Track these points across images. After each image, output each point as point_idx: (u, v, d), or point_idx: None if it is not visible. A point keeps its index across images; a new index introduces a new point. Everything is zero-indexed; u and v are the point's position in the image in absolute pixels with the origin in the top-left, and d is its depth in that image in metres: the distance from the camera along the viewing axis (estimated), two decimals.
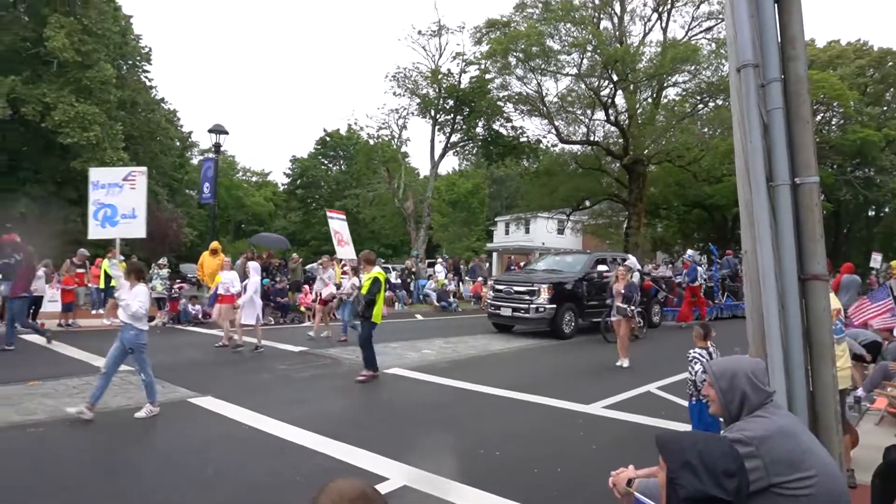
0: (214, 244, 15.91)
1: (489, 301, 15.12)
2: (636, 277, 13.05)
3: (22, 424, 5.80)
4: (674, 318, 17.01)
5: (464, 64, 26.90)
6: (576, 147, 30.57)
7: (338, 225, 16.59)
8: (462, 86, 26.94)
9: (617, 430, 6.18)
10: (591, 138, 28.44)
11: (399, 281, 21.69)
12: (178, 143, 42.58)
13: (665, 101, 27.92)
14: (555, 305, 13.18)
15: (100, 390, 6.10)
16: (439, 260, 24.58)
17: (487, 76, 27.13)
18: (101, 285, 15.36)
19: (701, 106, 26.76)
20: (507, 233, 50.83)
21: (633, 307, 10.13)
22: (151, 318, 14.45)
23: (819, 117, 30.27)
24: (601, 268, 14.26)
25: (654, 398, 7.70)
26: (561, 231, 40.37)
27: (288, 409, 6.61)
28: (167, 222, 22.66)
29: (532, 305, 13.28)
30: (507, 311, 13.82)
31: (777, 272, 2.73)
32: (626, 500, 2.43)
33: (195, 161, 47.06)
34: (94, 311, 15.29)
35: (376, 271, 8.68)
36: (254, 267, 11.23)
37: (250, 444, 5.41)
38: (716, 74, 24.88)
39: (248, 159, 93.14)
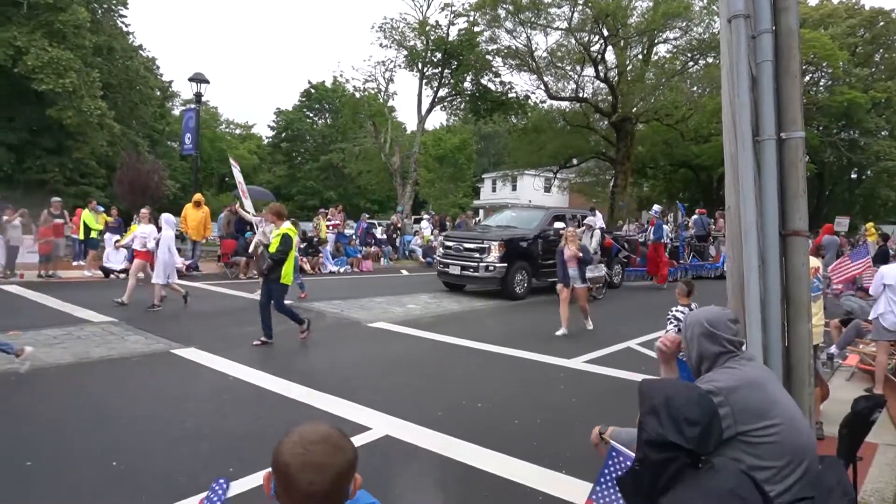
0: (197, 196, 15.73)
1: (438, 258, 14.29)
2: (597, 236, 12.71)
3: (4, 373, 5.77)
4: (637, 279, 16.88)
5: (452, 16, 26.25)
6: (564, 104, 30.29)
7: (238, 175, 15.11)
8: (450, 38, 26.34)
9: (597, 384, 6.30)
10: (580, 95, 28.15)
11: (385, 236, 21.68)
12: (158, 93, 41.51)
13: (655, 58, 27.61)
14: (506, 264, 12.40)
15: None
16: (425, 216, 24.49)
17: (476, 29, 26.54)
18: (81, 236, 15.16)
19: (691, 64, 26.52)
20: (493, 190, 50.70)
21: (596, 271, 9.55)
22: (127, 270, 14.38)
23: (808, 78, 30.12)
24: (558, 225, 13.15)
25: (634, 353, 7.84)
26: (548, 189, 40.34)
27: (272, 361, 6.65)
28: (148, 174, 22.22)
29: (482, 264, 12.49)
30: (455, 270, 13.05)
31: (759, 227, 2.74)
32: (600, 450, 2.48)
33: (177, 112, 45.99)
34: (74, 263, 15.11)
35: (286, 227, 7.77)
36: (166, 219, 10.18)
37: (233, 395, 5.45)
38: (707, 31, 24.58)
39: (231, 111, 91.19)
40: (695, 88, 26.73)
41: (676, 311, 5.23)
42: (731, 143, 2.89)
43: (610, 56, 26.46)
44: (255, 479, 3.53)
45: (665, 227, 17.72)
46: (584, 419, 5.06)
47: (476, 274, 12.60)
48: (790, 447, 1.99)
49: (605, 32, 25.11)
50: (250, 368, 6.21)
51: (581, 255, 9.00)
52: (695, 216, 19.88)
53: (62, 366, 6.17)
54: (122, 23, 35.62)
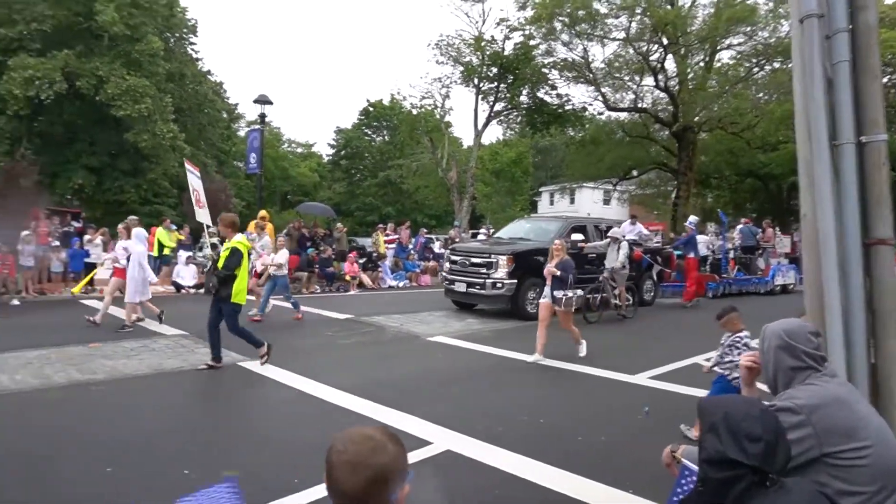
0: (262, 213, 16.24)
1: (444, 274, 13.19)
2: (624, 249, 11.50)
3: (85, 383, 6.11)
4: (672, 296, 15.39)
5: (508, 30, 26.32)
6: (623, 114, 29.74)
7: (196, 182, 13.78)
8: (506, 53, 26.40)
9: (663, 401, 6.09)
10: (639, 105, 27.60)
11: (443, 251, 21.80)
12: (224, 115, 43.31)
13: (718, 65, 26.76)
14: (515, 280, 11.20)
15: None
16: (483, 230, 24.49)
17: (532, 42, 26.49)
18: (155, 253, 15.92)
19: (756, 69, 25.55)
20: (551, 203, 50.28)
21: (569, 292, 7.86)
22: (200, 285, 15.00)
23: (885, 80, 28.54)
24: (576, 237, 12.11)
25: (700, 370, 7.53)
26: (607, 201, 39.66)
27: (334, 373, 6.75)
28: (216, 192, 23.19)
29: (489, 280, 11.34)
30: (461, 287, 11.91)
31: (838, 237, 2.59)
32: (672, 470, 2.39)
33: (242, 133, 47.86)
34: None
35: (237, 240, 7.02)
36: (137, 234, 9.65)
37: (298, 407, 5.56)
38: (773, 35, 23.67)
39: (293, 131, 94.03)
40: (761, 95, 25.74)
41: (746, 336, 4.78)
42: (805, 148, 2.76)
43: (670, 65, 25.86)
44: (317, 492, 3.58)
45: (705, 237, 16.60)
46: (650, 437, 4.90)
47: (482, 291, 11.48)
48: (883, 471, 1.85)
49: (665, 41, 24.57)
50: (314, 381, 6.33)
51: (557, 272, 7.86)
52: (740, 226, 18.69)
53: (139, 376, 6.47)
54: (192, 50, 37.48)
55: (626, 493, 3.80)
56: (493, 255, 11.56)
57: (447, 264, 13.04)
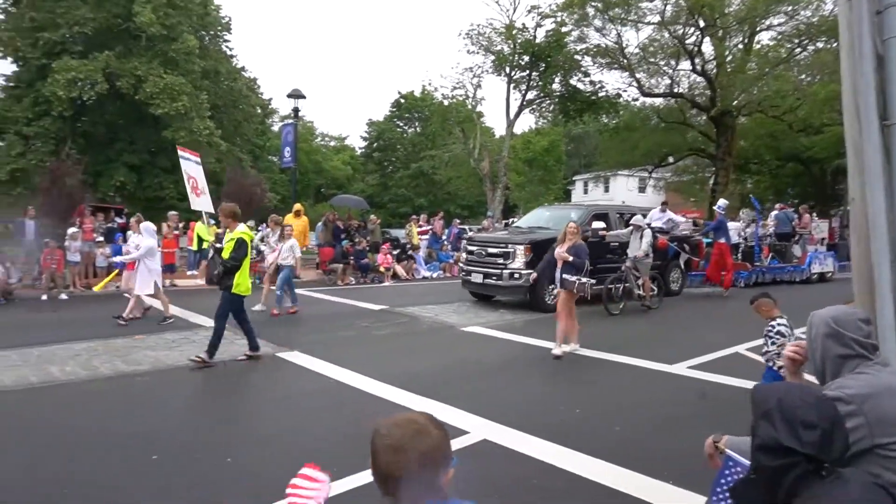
0: (297, 206, 16.46)
1: (461, 265, 12.83)
2: (647, 237, 10.95)
3: (130, 374, 6.30)
4: (698, 285, 14.85)
5: (539, 17, 26.02)
6: (658, 100, 29.17)
7: (192, 168, 13.26)
8: (537, 40, 26.12)
9: (702, 391, 5.98)
10: (675, 90, 27.02)
11: None
12: (259, 111, 43.91)
13: (758, 46, 25.96)
14: (533, 271, 10.52)
15: None
16: (516, 219, 24.37)
17: (564, 29, 26.14)
18: (195, 247, 16.29)
19: (798, 50, 24.71)
20: (585, 191, 49.73)
21: (583, 278, 7.52)
22: None
23: None
24: (597, 224, 11.64)
25: (742, 359, 7.38)
26: (642, 189, 39.03)
27: (370, 364, 6.80)
28: (251, 187, 23.53)
29: (506, 271, 10.97)
30: (477, 278, 11.55)
31: (889, 220, 2.49)
32: (714, 461, 2.33)
33: (276, 128, 48.50)
34: (188, 272, 16.26)
35: (241, 230, 6.98)
36: (145, 228, 9.57)
37: (335, 397, 5.63)
38: (816, 14, 22.85)
39: (325, 125, 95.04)
40: (803, 76, 24.92)
41: (779, 324, 4.61)
42: (853, 128, 2.65)
43: (707, 48, 25.22)
44: (355, 480, 3.63)
45: (737, 224, 15.93)
46: (690, 427, 4.82)
47: (499, 282, 11.13)
48: None
49: (702, 23, 23.95)
50: (350, 371, 6.39)
51: (569, 257, 7.50)
52: (775, 211, 17.90)
53: (181, 367, 6.64)
54: (227, 47, 38.05)
55: (665, 483, 3.75)
56: (509, 245, 11.19)
57: (464, 254, 12.71)
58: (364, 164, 58.15)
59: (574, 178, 51.65)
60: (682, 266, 13.90)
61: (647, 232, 11.08)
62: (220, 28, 36.69)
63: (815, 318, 2.17)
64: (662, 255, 12.73)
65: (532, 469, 4.01)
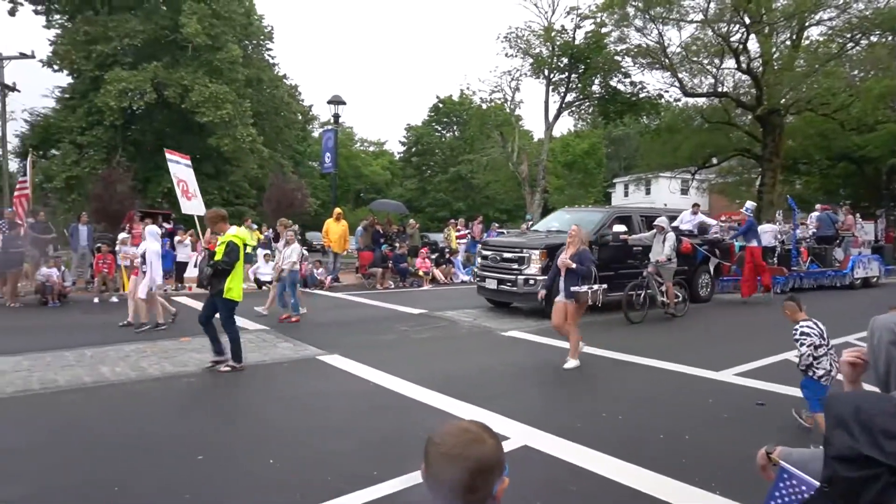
0: (338, 210, 16.68)
1: (476, 270, 12.33)
2: (670, 240, 10.33)
3: (177, 375, 6.46)
4: (733, 290, 14.05)
5: (578, 19, 25.80)
6: (701, 100, 28.49)
7: (182, 171, 12.92)
8: (577, 42, 25.89)
9: (751, 400, 5.79)
10: (719, 89, 26.35)
11: None
12: (299, 117, 44.71)
13: (806, 42, 25.13)
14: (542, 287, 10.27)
15: None
16: (532, 222, 24.13)
17: (603, 30, 25.84)
18: None
19: (850, 45, 23.80)
20: (626, 194, 48.96)
21: (594, 285, 7.02)
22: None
23: None
24: (618, 228, 11.10)
25: (792, 366, 7.11)
26: (685, 191, 38.17)
27: (410, 368, 6.82)
28: (293, 192, 23.97)
29: (520, 277, 10.45)
30: (492, 284, 11.05)
31: None
32: (767, 474, 2.23)
33: (316, 134, 49.32)
34: None
35: (232, 233, 6.76)
36: (150, 232, 9.54)
37: (375, 399, 5.65)
38: (870, 7, 21.96)
39: (364, 130, 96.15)
40: (856, 72, 23.98)
41: (804, 325, 4.66)
42: None
43: (753, 45, 24.49)
44: (395, 484, 3.63)
45: (773, 226, 15.17)
46: (737, 437, 4.68)
47: (514, 289, 10.59)
48: None
49: (747, 20, 23.29)
50: (390, 375, 6.42)
51: (573, 264, 6.93)
52: (815, 212, 16.89)
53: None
54: (269, 56, 38.90)
55: (713, 494, 3.64)
56: (525, 250, 10.66)
57: (478, 259, 12.23)
58: (403, 168, 58.59)
59: (614, 181, 50.92)
60: (712, 271, 13.21)
61: (671, 235, 10.47)
62: (262, 37, 37.54)
63: (876, 324, 2.06)
64: (690, 260, 12.31)
65: (573, 475, 3.94)
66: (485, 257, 11.66)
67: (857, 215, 18.13)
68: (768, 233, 14.89)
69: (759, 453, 2.27)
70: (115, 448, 4.33)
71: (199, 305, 10.98)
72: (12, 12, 29.45)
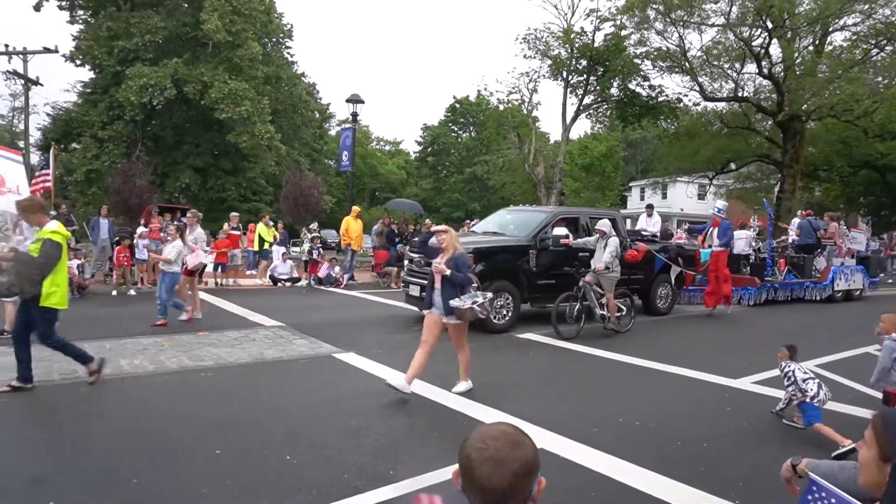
0: (356, 209, 16.74)
1: (403, 276, 11.42)
2: (612, 246, 9.14)
3: (195, 369, 6.51)
4: (693, 302, 13.07)
5: (598, 21, 25.61)
6: (721, 105, 28.24)
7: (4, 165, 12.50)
8: (596, 44, 25.74)
9: (769, 408, 5.72)
10: (740, 94, 26.08)
11: None
12: (317, 115, 44.96)
13: (830, 47, 24.80)
14: (491, 294, 8.83)
15: None
16: (475, 222, 23.89)
17: (623, 32, 25.66)
18: (256, 248, 16.76)
19: (875, 51, 23.45)
20: (641, 198, 48.65)
21: (478, 297, 5.74)
22: (297, 280, 15.65)
23: None
24: (558, 230, 9.98)
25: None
26: (702, 196, 37.88)
27: (426, 369, 6.81)
28: (309, 189, 24.09)
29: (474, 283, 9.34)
30: (415, 290, 9.89)
31: None
32: (792, 486, 2.20)
33: (332, 132, 49.54)
34: (248, 272, 16.75)
35: (51, 228, 5.43)
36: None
37: (390, 398, 5.65)
38: None
39: (381, 129, 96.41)
40: (880, 78, 23.60)
41: (786, 369, 5.21)
42: None
43: (775, 50, 24.20)
44: (411, 484, 3.62)
45: (747, 233, 14.38)
46: (756, 446, 4.64)
47: None
48: None
49: (770, 25, 23.02)
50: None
51: (447, 270, 5.65)
52: (796, 219, 15.97)
53: (242, 364, 6.83)
54: (288, 53, 39.15)
55: None
56: None
57: (406, 262, 11.26)
58: (418, 168, 58.70)
59: (630, 185, 50.63)
60: (673, 281, 11.93)
61: (613, 240, 9.27)
62: (282, 35, 37.79)
63: None
64: (647, 268, 11.28)
65: (589, 481, 3.91)
66: (410, 260, 10.72)
67: (842, 223, 16.91)
68: (742, 239, 14.13)
69: (783, 465, 2.24)
70: (132, 441, 4.37)
71: (216, 301, 11.10)
72: (37, 7, 29.90)
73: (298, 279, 15.60)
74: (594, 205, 41.00)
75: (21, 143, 30.85)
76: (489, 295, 5.99)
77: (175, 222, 15.16)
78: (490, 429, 1.34)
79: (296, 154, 37.48)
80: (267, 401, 5.54)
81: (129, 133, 29.86)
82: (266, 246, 16.68)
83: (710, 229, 11.81)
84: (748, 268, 14.09)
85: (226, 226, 15.89)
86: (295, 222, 22.56)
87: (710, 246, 11.76)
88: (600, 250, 9.29)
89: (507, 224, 11.11)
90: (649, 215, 13.46)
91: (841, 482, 1.93)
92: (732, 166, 31.31)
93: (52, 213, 14.05)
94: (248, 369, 6.65)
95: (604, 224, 9.44)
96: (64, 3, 30.88)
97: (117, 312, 10.47)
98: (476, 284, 6.25)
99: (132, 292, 12.89)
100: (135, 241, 13.67)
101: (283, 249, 16.44)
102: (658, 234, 12.67)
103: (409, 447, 4.39)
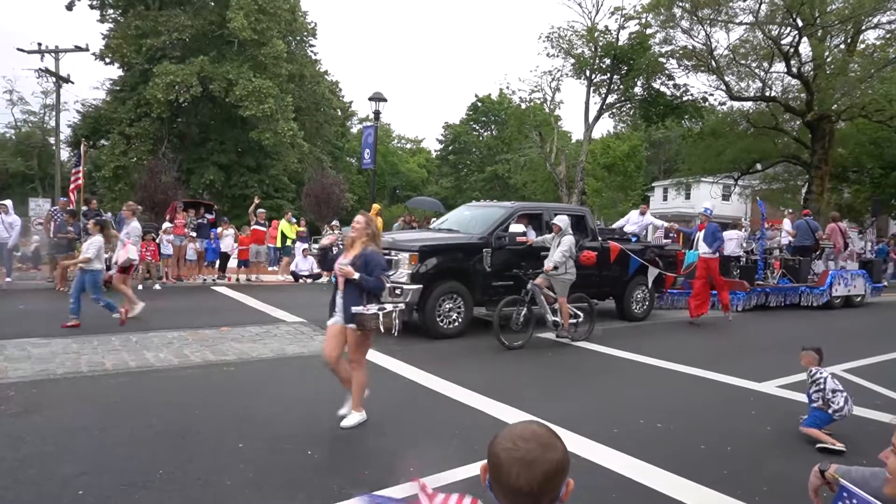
0: (376, 206, 16.81)
1: None
2: (565, 245, 8.21)
3: (218, 363, 6.60)
4: (677, 306, 12.42)
5: (622, 19, 25.43)
6: (747, 104, 27.81)
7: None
8: (620, 43, 25.54)
9: (794, 413, 5.61)
10: (767, 94, 25.64)
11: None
12: (339, 113, 45.24)
13: (862, 46, 24.26)
14: (421, 285, 8.34)
15: None
16: (436, 219, 23.62)
17: (648, 31, 25.42)
18: (278, 244, 16.92)
19: None
20: (665, 199, 48.17)
21: (386, 305, 4.78)
22: (318, 276, 15.76)
23: None
24: (515, 228, 9.26)
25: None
26: (727, 197, 37.33)
27: (445, 367, 6.82)
28: (331, 187, 24.28)
29: (388, 284, 7.67)
30: None
31: None
32: (817, 496, 2.15)
33: (354, 130, 49.79)
34: (270, 268, 16.93)
35: None
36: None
37: (410, 396, 5.67)
38: None
39: (402, 127, 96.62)
40: None
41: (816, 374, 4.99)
42: None
43: (804, 48, 23.76)
44: (432, 482, 3.62)
45: (739, 233, 13.64)
46: (780, 452, 4.56)
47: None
48: None
49: (800, 23, 22.60)
50: (425, 373, 6.43)
51: (354, 274, 4.61)
52: (787, 220, 15.38)
53: (264, 360, 6.91)
54: (312, 52, 39.43)
55: None
56: (392, 252, 8.44)
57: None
58: (439, 166, 58.75)
59: (653, 185, 50.10)
60: (650, 284, 11.05)
61: (567, 238, 8.31)
62: (306, 33, 38.06)
63: None
64: (620, 269, 10.58)
65: (610, 482, 3.88)
66: None
67: (843, 224, 16.09)
68: (733, 240, 13.46)
69: (812, 472, 2.18)
70: (158, 433, 4.44)
71: (238, 296, 11.25)
72: (69, 7, 30.52)
73: (320, 275, 15.71)
74: (616, 204, 40.64)
75: (52, 140, 31.53)
76: (400, 306, 5.16)
77: (199, 219, 15.40)
78: (521, 429, 1.32)
79: (318, 151, 37.76)
80: (289, 396, 5.59)
81: (155, 130, 30.35)
82: (288, 242, 16.84)
83: (697, 233, 11.11)
84: (738, 270, 13.38)
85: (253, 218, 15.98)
86: (316, 219, 22.73)
87: (695, 249, 11.00)
88: (554, 249, 8.43)
89: (465, 221, 10.31)
90: (642, 213, 12.77)
91: (872, 489, 1.89)
92: (758, 167, 30.80)
93: (84, 208, 14.35)
94: (270, 364, 6.72)
95: (560, 220, 8.48)
96: (95, 3, 31.48)
97: (144, 306, 10.63)
98: (388, 288, 5.26)
99: (157, 287, 13.09)
100: (160, 236, 13.88)
101: (304, 246, 16.58)
102: (638, 234, 12.18)
103: (430, 445, 4.40)
